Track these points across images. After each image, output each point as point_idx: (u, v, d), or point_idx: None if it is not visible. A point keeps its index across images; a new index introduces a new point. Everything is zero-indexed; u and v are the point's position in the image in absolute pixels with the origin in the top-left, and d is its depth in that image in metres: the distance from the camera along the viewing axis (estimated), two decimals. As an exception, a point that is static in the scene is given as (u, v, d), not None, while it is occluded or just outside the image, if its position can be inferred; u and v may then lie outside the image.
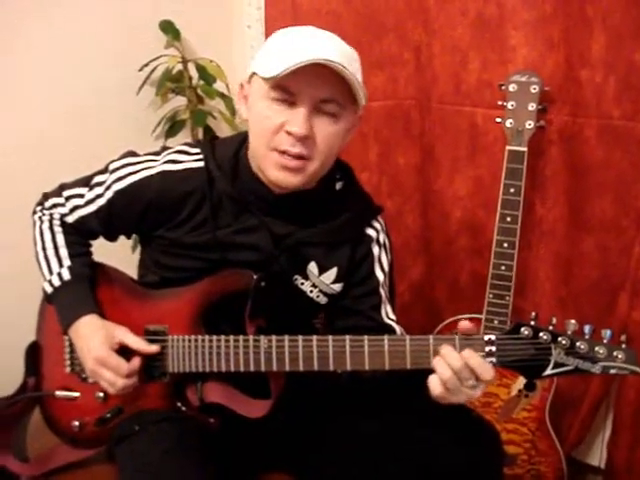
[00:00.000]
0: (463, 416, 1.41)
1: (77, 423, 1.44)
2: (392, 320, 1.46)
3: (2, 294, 2.17)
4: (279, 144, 1.29)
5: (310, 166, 1.32)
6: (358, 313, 1.45)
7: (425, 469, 1.32)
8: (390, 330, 1.43)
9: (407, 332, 1.41)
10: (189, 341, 1.37)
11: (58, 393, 1.46)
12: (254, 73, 1.33)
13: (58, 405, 1.47)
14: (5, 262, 2.14)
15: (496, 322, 1.86)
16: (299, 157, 1.30)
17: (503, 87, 1.83)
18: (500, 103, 1.84)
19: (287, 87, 1.27)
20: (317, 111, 1.29)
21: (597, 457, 2.19)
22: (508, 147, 1.82)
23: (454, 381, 1.16)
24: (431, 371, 1.20)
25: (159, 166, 1.41)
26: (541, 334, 1.15)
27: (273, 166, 1.32)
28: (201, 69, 2.37)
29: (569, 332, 1.14)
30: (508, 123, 1.82)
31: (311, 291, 1.45)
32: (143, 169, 1.42)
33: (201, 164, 1.40)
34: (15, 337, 1.55)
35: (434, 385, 1.19)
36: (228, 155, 1.42)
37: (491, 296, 1.87)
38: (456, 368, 1.16)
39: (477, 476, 1.33)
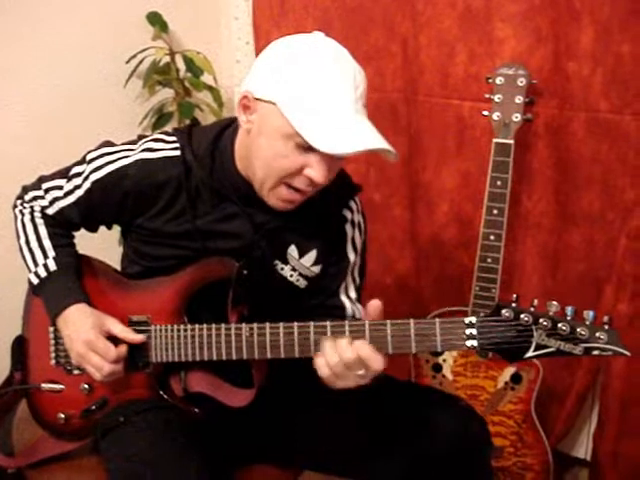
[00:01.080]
0: (452, 405, 1.42)
1: (63, 415, 1.44)
2: (350, 299, 1.49)
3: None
4: (293, 182, 1.29)
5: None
6: (324, 291, 1.49)
7: (413, 458, 1.33)
8: (340, 308, 1.47)
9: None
10: (172, 330, 1.36)
11: (44, 386, 1.46)
12: (271, 101, 1.25)
13: (44, 398, 1.47)
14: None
15: (482, 315, 1.86)
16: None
17: (490, 80, 1.83)
18: (487, 96, 1.84)
19: None
20: None
21: (583, 449, 2.20)
22: (495, 140, 1.82)
23: (341, 367, 1.17)
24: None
25: (136, 154, 1.41)
26: (522, 316, 1.13)
27: (278, 197, 1.32)
28: (188, 61, 2.36)
29: (551, 313, 1.12)
30: (495, 116, 1.82)
31: (291, 275, 1.45)
32: (120, 158, 1.41)
33: (177, 153, 1.39)
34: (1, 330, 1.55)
35: (321, 366, 1.19)
36: (205, 144, 1.40)
37: (477, 289, 1.87)
38: (347, 360, 1.16)
39: (466, 465, 1.33)
